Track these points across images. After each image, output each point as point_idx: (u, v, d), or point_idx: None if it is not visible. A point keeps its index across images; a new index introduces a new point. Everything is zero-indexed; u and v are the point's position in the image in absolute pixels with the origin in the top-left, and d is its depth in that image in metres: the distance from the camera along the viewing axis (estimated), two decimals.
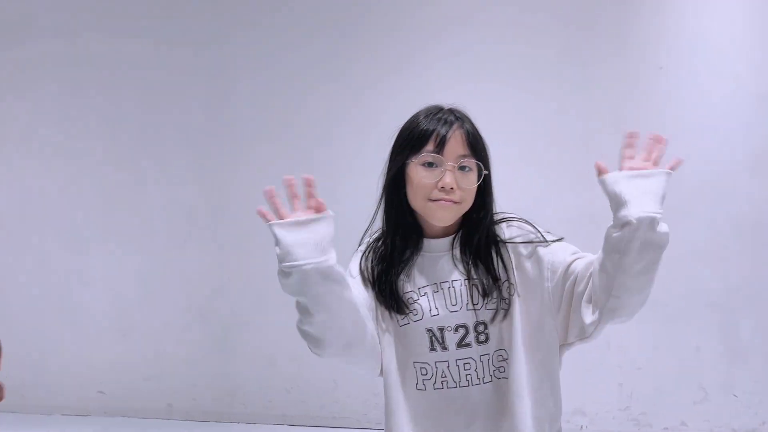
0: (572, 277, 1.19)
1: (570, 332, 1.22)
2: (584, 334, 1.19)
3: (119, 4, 3.72)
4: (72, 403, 3.72)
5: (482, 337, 1.25)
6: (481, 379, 1.25)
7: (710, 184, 3.12)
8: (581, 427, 3.26)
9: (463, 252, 1.28)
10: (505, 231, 1.30)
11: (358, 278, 1.28)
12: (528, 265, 1.25)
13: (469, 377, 1.25)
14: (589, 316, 1.16)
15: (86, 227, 3.76)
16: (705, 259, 3.13)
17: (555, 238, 1.26)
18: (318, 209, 1.10)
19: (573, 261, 1.21)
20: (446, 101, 1.31)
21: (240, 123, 3.61)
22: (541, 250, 1.24)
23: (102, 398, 3.71)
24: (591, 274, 1.15)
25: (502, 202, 1.34)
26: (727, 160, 3.13)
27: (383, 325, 1.27)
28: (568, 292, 1.20)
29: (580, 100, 3.24)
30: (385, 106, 3.20)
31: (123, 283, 3.71)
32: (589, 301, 1.16)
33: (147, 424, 3.57)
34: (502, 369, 1.25)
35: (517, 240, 1.27)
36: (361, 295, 1.23)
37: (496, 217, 1.32)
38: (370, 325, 1.22)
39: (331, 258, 1.08)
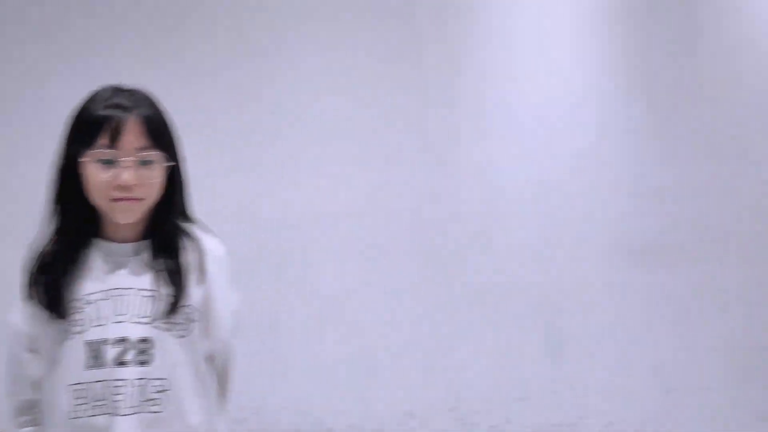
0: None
1: None
2: None
3: None
4: None
5: (143, 358, 1.10)
6: (130, 408, 1.08)
7: (534, 182, 3.19)
8: (412, 430, 3.23)
9: (155, 257, 1.15)
10: (192, 243, 1.20)
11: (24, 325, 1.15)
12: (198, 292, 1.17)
13: (117, 404, 1.08)
14: None
15: None
16: (526, 259, 3.20)
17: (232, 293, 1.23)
18: None
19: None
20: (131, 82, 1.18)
21: None
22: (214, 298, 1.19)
23: None
24: None
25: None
26: (549, 159, 3.21)
27: (42, 355, 1.13)
28: None
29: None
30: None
31: None
32: None
33: None
34: (156, 402, 1.10)
35: (192, 262, 1.18)
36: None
37: (196, 224, 1.21)
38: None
39: None
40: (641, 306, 3.24)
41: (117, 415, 1.05)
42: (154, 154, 1.11)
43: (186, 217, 1.20)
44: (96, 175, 1.09)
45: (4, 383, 1.15)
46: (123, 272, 1.13)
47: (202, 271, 1.17)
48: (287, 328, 3.17)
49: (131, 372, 1.07)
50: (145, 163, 1.10)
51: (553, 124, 3.21)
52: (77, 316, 1.10)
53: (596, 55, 3.23)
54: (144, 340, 1.09)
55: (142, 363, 1.09)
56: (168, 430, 1.08)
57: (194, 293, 1.14)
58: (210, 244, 1.22)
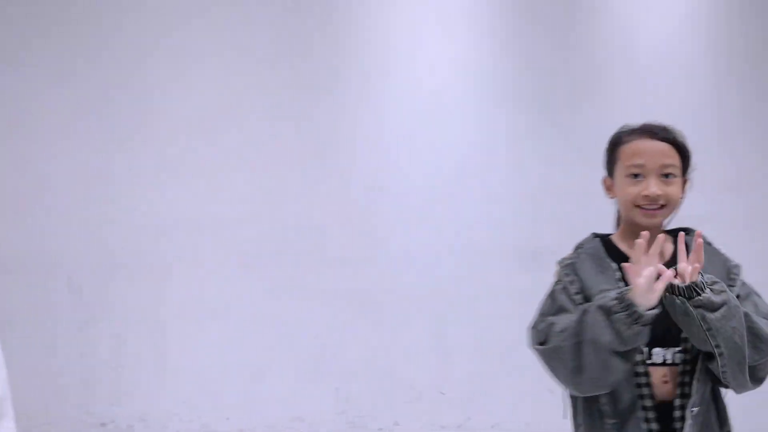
0: None
1: None
2: None
3: None
4: None
5: None
6: None
7: (421, 187, 3.18)
8: None
9: None
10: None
11: None
12: None
13: None
14: None
15: None
16: (417, 264, 3.20)
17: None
18: None
19: None
20: None
21: None
22: None
23: None
24: None
25: None
26: (436, 165, 3.20)
27: None
28: None
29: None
30: None
31: None
32: None
33: None
34: None
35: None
36: None
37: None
38: None
39: None
40: (530, 309, 3.26)
41: None
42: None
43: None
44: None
45: None
46: None
47: None
48: (172, 334, 3.15)
49: None
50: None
51: (438, 131, 3.19)
52: None
53: (480, 60, 3.21)
54: None
55: None
56: None
57: None
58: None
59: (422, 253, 3.19)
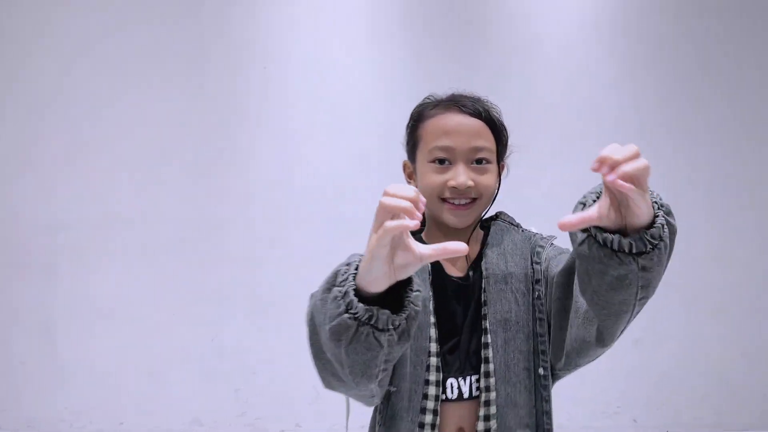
0: None
1: None
2: None
3: None
4: None
5: None
6: None
7: (327, 184, 3.13)
8: None
9: None
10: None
11: None
12: None
13: None
14: None
15: None
16: (319, 265, 3.13)
17: None
18: None
19: None
20: None
21: None
22: None
23: None
24: None
25: None
26: (340, 159, 3.14)
27: None
28: None
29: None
30: None
31: None
32: None
33: None
34: None
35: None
36: None
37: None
38: None
39: None
40: None
41: None
42: None
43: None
44: None
45: None
46: None
47: None
48: (63, 335, 3.04)
49: None
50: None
51: (340, 127, 3.14)
52: None
53: (383, 56, 3.16)
54: None
55: None
56: None
57: None
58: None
59: (328, 253, 3.12)
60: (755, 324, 3.19)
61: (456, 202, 1.06)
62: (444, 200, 1.06)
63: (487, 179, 1.07)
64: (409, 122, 1.14)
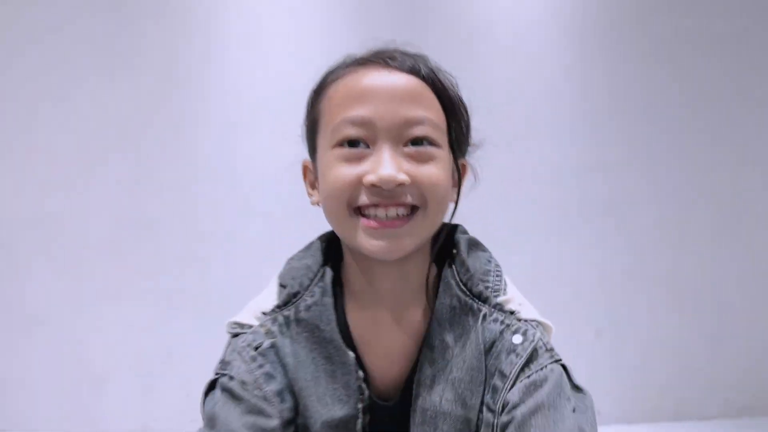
0: None
1: None
2: None
3: None
4: None
5: None
6: None
7: (273, 182, 2.99)
8: None
9: None
10: None
11: None
12: None
13: None
14: None
15: None
16: (268, 260, 3.00)
17: None
18: None
19: None
20: None
21: None
22: None
23: None
24: None
25: None
26: (282, 156, 3.00)
27: None
28: None
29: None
30: None
31: None
32: None
33: None
34: None
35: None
36: None
37: None
38: None
39: None
40: None
41: None
42: None
43: None
44: None
45: None
46: None
47: None
48: None
49: None
50: None
51: (286, 119, 2.99)
52: None
53: (331, 43, 3.02)
54: None
55: None
56: None
57: None
58: None
59: (275, 247, 2.99)
60: (716, 313, 3.17)
61: (379, 213, 0.63)
62: (359, 211, 0.65)
63: (433, 172, 0.65)
64: (307, 103, 0.77)
